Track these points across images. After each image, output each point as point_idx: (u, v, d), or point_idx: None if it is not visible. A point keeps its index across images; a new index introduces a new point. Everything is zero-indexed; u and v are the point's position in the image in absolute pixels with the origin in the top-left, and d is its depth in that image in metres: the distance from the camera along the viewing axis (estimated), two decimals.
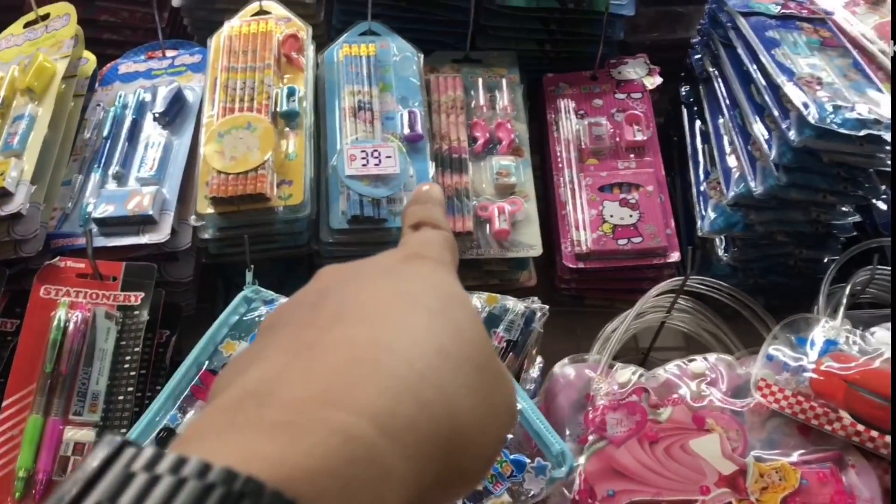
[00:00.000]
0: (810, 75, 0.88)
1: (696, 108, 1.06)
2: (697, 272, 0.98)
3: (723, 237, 0.96)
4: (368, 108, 0.94)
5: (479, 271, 0.94)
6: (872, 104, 0.85)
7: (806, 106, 0.83)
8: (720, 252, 0.97)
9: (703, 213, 0.96)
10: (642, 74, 1.09)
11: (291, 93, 0.92)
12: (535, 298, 0.80)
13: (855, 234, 0.93)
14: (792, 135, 0.84)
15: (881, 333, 0.77)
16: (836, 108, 0.83)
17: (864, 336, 0.77)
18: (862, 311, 0.82)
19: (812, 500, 0.68)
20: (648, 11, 1.19)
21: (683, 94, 1.08)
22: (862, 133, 0.82)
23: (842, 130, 0.82)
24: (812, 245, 0.94)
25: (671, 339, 0.94)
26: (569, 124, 1.05)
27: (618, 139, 1.03)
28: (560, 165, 1.02)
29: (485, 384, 0.28)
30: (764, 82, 0.90)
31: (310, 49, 0.99)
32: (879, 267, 0.84)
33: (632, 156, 1.02)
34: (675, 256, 0.94)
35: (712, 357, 0.78)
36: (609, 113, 1.06)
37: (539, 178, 1.02)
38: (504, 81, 1.05)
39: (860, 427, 0.70)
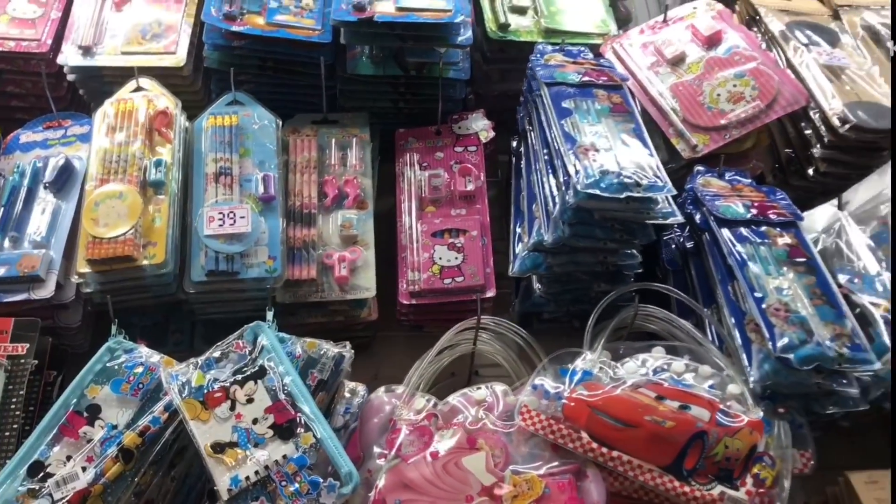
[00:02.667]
0: (590, 143, 1.04)
1: (522, 160, 1.22)
2: (521, 302, 1.16)
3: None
4: (228, 173, 1.11)
5: (325, 311, 1.11)
6: (640, 169, 1.02)
7: (577, 172, 1.00)
8: (536, 286, 1.14)
9: (515, 254, 1.13)
10: (480, 128, 1.25)
11: (159, 164, 1.09)
12: (347, 344, 0.97)
13: (640, 271, 1.10)
14: (569, 196, 1.01)
15: (630, 365, 0.95)
16: (604, 173, 1.00)
17: (616, 367, 0.94)
18: (622, 342, 0.99)
19: None
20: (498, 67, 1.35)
21: (514, 146, 1.25)
22: (623, 196, 0.99)
23: (605, 194, 0.98)
24: (606, 280, 1.11)
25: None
26: (413, 175, 1.21)
27: (452, 188, 1.19)
28: (403, 213, 1.18)
29: None
30: (555, 147, 1.06)
31: (179, 121, 1.15)
32: (641, 305, 1.01)
33: (463, 204, 1.18)
34: (491, 293, 1.11)
35: (495, 386, 0.95)
36: (448, 165, 1.22)
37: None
38: (355, 140, 1.22)
39: (594, 445, 0.87)
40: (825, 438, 1.01)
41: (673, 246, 1.11)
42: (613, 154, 1.03)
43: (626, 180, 0.99)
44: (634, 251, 1.08)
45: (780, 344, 0.90)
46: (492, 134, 1.24)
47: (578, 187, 0.99)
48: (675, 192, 1.03)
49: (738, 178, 1.12)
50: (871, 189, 1.07)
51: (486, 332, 1.04)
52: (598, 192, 0.98)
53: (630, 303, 1.01)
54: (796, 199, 1.14)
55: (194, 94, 1.23)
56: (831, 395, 0.94)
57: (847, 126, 1.08)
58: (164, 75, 1.19)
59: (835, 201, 1.10)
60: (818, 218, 1.11)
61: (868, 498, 0.90)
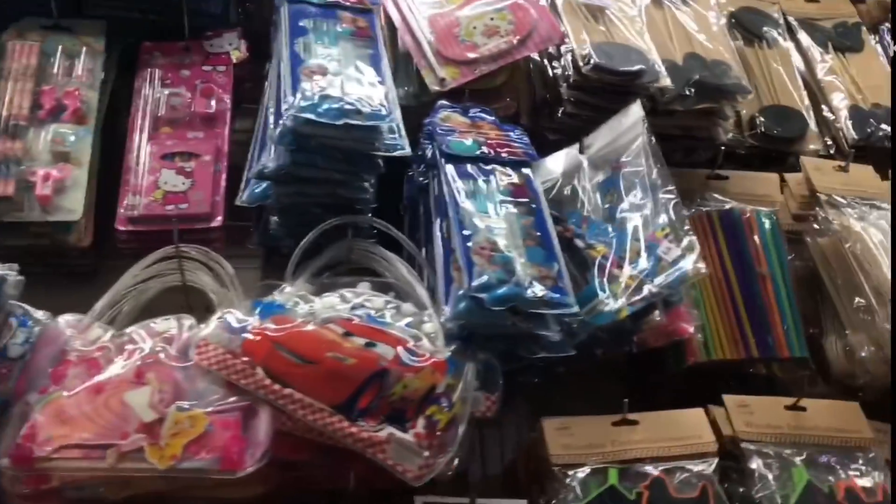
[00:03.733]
0: (318, 65, 0.97)
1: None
2: (259, 234, 1.10)
3: None
4: None
5: (25, 232, 1.01)
6: (366, 96, 0.96)
7: (296, 94, 0.93)
8: (272, 218, 1.07)
9: (246, 183, 1.06)
10: (233, 48, 1.17)
11: None
12: (14, 266, 0.88)
13: (375, 205, 1.04)
14: (285, 119, 0.94)
15: (328, 299, 0.90)
16: (324, 98, 0.94)
17: (313, 302, 0.89)
18: (329, 277, 0.94)
19: (210, 443, 0.80)
20: None
21: (266, 71, 1.17)
22: (341, 122, 0.93)
23: (322, 119, 0.92)
24: (340, 214, 1.04)
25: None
26: (151, 92, 1.12)
27: (192, 109, 1.11)
28: (134, 132, 1.09)
29: None
30: (281, 69, 0.99)
31: None
32: (356, 240, 0.96)
33: (203, 126, 1.10)
34: (217, 221, 1.03)
35: (183, 318, 0.89)
36: (193, 84, 1.14)
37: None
38: (85, 50, 1.12)
39: (267, 381, 0.82)
40: (549, 385, 1.00)
41: (413, 182, 1.06)
42: (341, 79, 0.97)
43: (347, 107, 0.94)
44: (366, 184, 1.02)
45: (476, 283, 0.87)
46: (245, 55, 1.16)
47: (293, 111, 0.92)
48: (397, 121, 0.98)
49: (482, 115, 1.07)
50: (611, 133, 1.04)
51: (193, 263, 0.98)
52: (313, 116, 0.92)
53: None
54: (553, 142, 1.11)
55: None
56: (537, 338, 0.92)
57: (590, 66, 1.04)
58: None
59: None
60: (560, 161, 1.07)
61: (555, 444, 0.88)
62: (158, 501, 0.84)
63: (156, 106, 1.11)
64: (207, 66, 1.16)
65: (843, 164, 1.11)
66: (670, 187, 0.96)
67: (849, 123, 1.24)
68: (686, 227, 0.92)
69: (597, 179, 1.04)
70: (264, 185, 1.03)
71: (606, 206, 1.01)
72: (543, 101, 1.15)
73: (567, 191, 1.05)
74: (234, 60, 1.16)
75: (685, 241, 0.91)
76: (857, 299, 1.01)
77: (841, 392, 1.06)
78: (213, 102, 1.12)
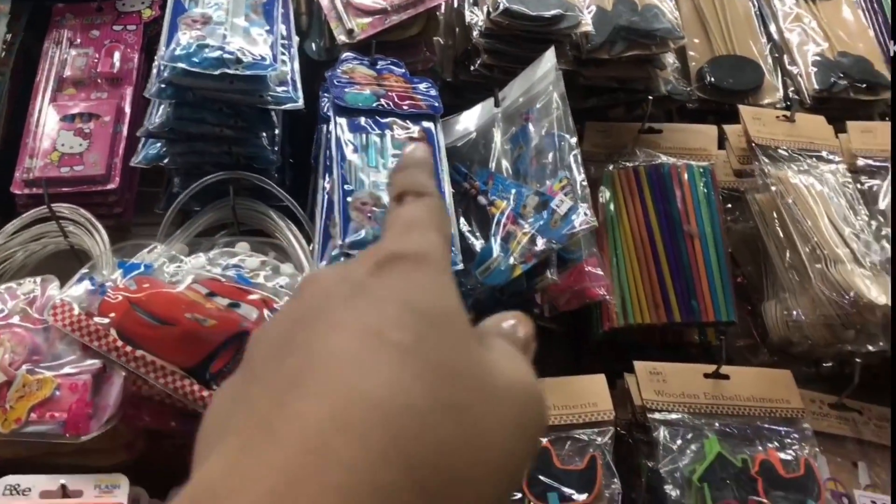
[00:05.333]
0: (202, 14, 0.92)
1: None
2: (166, 198, 1.05)
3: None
4: None
5: None
6: (249, 45, 0.90)
7: (170, 44, 0.88)
8: (175, 179, 1.02)
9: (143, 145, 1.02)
10: (145, 6, 1.13)
11: None
12: None
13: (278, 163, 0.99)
14: (161, 70, 0.89)
15: (199, 260, 0.85)
16: (201, 47, 0.88)
17: (183, 262, 0.84)
18: (207, 237, 0.89)
19: (55, 407, 0.75)
20: None
21: None
22: (217, 72, 0.87)
23: (197, 69, 0.87)
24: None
25: None
26: (58, 53, 1.09)
27: (98, 69, 1.07)
28: (38, 94, 1.06)
29: (476, 428, 0.25)
30: (168, 17, 0.94)
31: None
32: (240, 199, 0.91)
33: (108, 87, 1.06)
34: (112, 185, 0.99)
35: (48, 280, 0.85)
36: (102, 44, 1.10)
37: None
38: None
39: (119, 343, 0.77)
40: None
41: (318, 140, 1.01)
42: (224, 28, 0.92)
43: (226, 56, 0.88)
44: (263, 141, 0.97)
45: (349, 239, 0.81)
46: (156, 13, 1.11)
47: (166, 61, 0.87)
48: (293, 74, 0.92)
49: (391, 67, 1.01)
50: (524, 83, 0.97)
51: (80, 227, 0.93)
52: (187, 66, 0.87)
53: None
54: (475, 99, 1.04)
55: None
56: None
57: (499, 10, 0.97)
58: None
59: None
60: (476, 116, 1.01)
61: None
62: (23, 466, 0.80)
63: (61, 67, 1.08)
64: (118, 25, 1.12)
65: (787, 113, 1.01)
66: (573, 139, 0.89)
67: (812, 73, 1.14)
68: (583, 180, 0.85)
69: (509, 133, 0.96)
70: (159, 144, 0.99)
71: (514, 160, 0.94)
72: (464, 53, 1.08)
73: (481, 147, 0.98)
74: (145, 19, 1.11)
75: (580, 193, 0.83)
76: (791, 259, 0.92)
77: (793, 361, 0.97)
78: (118, 62, 1.07)
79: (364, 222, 0.82)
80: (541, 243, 0.83)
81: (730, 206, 1.04)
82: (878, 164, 1.01)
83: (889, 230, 0.96)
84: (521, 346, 0.30)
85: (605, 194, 0.99)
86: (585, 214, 0.82)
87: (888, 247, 0.95)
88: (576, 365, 1.02)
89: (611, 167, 1.00)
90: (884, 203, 0.98)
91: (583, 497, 0.75)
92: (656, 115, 1.11)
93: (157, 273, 0.83)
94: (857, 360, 0.87)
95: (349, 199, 0.84)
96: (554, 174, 0.87)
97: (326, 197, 0.88)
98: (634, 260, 0.95)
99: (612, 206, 0.98)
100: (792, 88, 1.16)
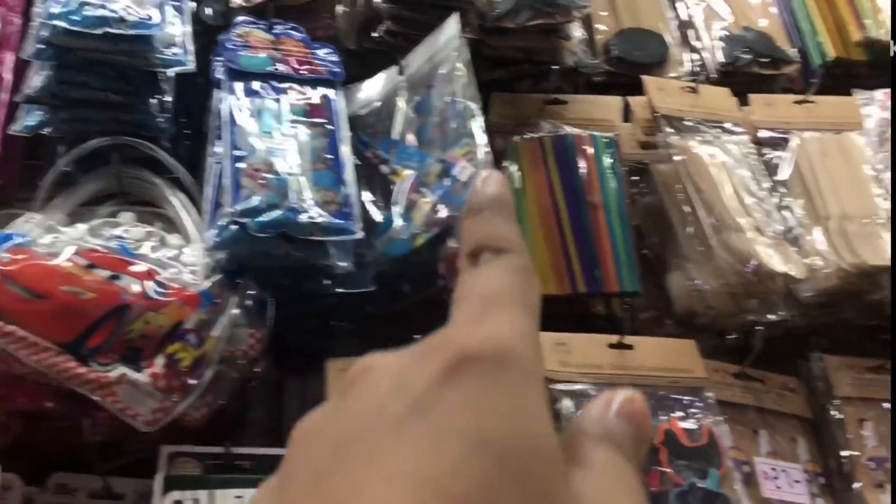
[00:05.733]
0: None
1: None
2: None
3: None
4: None
5: None
6: (135, 4, 0.85)
7: (55, 3, 0.83)
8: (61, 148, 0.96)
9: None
10: None
11: None
12: None
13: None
14: (39, 30, 0.83)
15: (78, 230, 0.79)
16: (82, 4, 0.83)
17: (62, 233, 0.79)
18: (89, 207, 0.84)
19: None
20: None
21: None
22: (100, 31, 0.82)
23: (77, 28, 0.82)
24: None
25: None
26: None
27: None
28: None
29: None
30: None
31: None
32: (125, 167, 0.86)
33: None
34: None
35: None
36: None
37: None
38: None
39: None
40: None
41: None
42: None
43: (109, 14, 0.83)
44: (152, 108, 0.91)
45: (240, 207, 0.77)
46: None
47: (43, 18, 0.82)
48: (183, 36, 0.87)
49: (290, 31, 0.97)
50: (428, 51, 0.94)
51: None
52: (66, 24, 0.81)
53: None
54: (379, 68, 1.01)
55: None
56: (327, 273, 0.82)
57: None
58: None
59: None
60: (379, 84, 0.97)
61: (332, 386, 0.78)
62: None
63: None
64: None
65: (692, 84, 1.01)
66: (476, 106, 0.86)
67: (717, 47, 1.15)
68: (486, 147, 0.83)
69: (413, 101, 0.94)
70: (41, 112, 0.92)
71: (418, 128, 0.91)
72: (367, 20, 1.04)
73: (385, 116, 0.95)
74: None
75: (482, 159, 0.81)
76: (694, 229, 0.92)
77: (698, 332, 0.97)
78: None
79: (256, 189, 0.78)
80: (443, 211, 0.81)
81: (636, 178, 1.03)
82: (779, 135, 1.02)
83: (791, 199, 0.97)
84: (631, 445, 0.25)
85: (510, 166, 0.97)
86: None
87: (789, 216, 0.96)
88: None
89: (516, 139, 0.98)
90: (784, 174, 0.98)
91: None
92: (564, 88, 1.10)
93: (32, 244, 0.77)
94: (758, 328, 0.88)
95: (241, 165, 0.80)
96: (457, 141, 0.85)
97: (217, 164, 0.83)
98: (539, 231, 0.93)
99: (516, 178, 0.96)
100: (698, 62, 1.16)
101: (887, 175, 0.97)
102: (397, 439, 0.22)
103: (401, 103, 0.94)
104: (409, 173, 0.86)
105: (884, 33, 1.13)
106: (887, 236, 0.92)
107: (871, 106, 1.03)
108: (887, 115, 1.02)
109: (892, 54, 1.14)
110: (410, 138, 0.90)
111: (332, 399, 0.25)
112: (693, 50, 1.17)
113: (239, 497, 0.70)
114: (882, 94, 1.03)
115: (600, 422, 0.25)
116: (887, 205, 0.95)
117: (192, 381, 0.71)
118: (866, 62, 1.16)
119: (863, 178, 0.97)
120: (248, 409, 0.89)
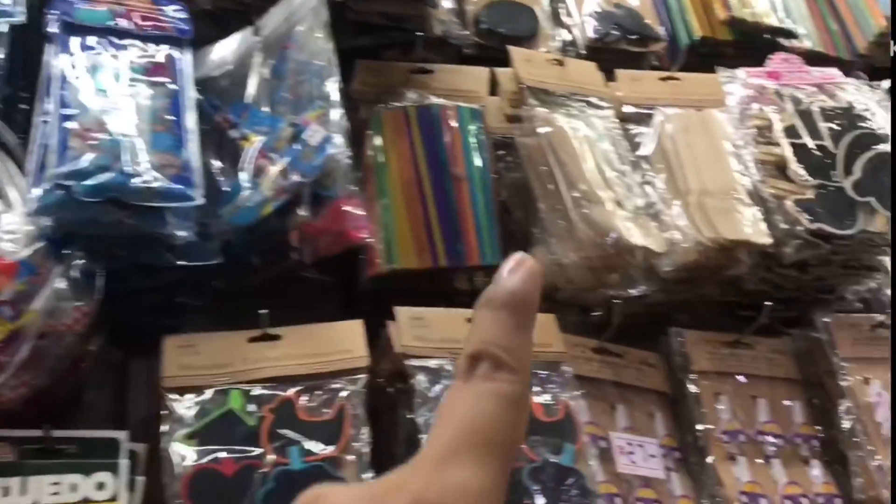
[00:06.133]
0: None
1: None
2: None
3: None
4: None
5: None
6: None
7: None
8: None
9: None
10: None
11: None
12: None
13: None
14: None
15: None
16: None
17: None
18: None
19: None
20: None
21: None
22: None
23: None
24: None
25: None
26: None
27: None
28: None
29: None
30: None
31: None
32: None
33: None
34: None
35: None
36: None
37: None
38: None
39: None
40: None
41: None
42: None
43: None
44: None
45: (66, 169, 0.71)
46: None
47: None
48: None
49: None
50: (284, 11, 0.89)
51: None
52: None
53: None
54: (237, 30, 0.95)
55: None
56: (167, 243, 0.76)
57: None
58: None
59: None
60: (233, 46, 0.92)
61: (175, 365, 0.73)
62: None
63: None
64: None
65: (558, 57, 1.00)
66: (332, 68, 0.82)
67: (587, 23, 1.14)
68: (342, 112, 0.79)
69: (268, 64, 0.89)
70: None
71: (272, 91, 0.86)
72: None
73: (238, 78, 0.90)
74: None
75: (336, 123, 0.77)
76: (556, 202, 0.91)
77: (562, 309, 0.96)
78: None
79: (85, 150, 0.72)
80: (293, 177, 0.76)
81: (503, 152, 1.01)
82: (643, 111, 1.02)
83: (653, 175, 0.97)
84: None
85: (373, 136, 0.93)
86: (339, 145, 0.75)
87: (651, 191, 0.96)
88: (347, 317, 0.96)
89: (380, 108, 0.95)
90: (647, 149, 0.98)
91: (328, 450, 0.70)
92: (434, 60, 1.07)
93: None
94: (616, 301, 0.87)
95: (69, 124, 0.74)
96: (310, 104, 0.80)
97: (44, 123, 0.77)
98: (401, 203, 0.90)
99: (380, 148, 0.93)
100: (569, 38, 1.16)
101: (746, 151, 0.98)
102: None
103: (255, 66, 0.89)
104: (259, 139, 0.82)
105: (748, 13, 1.14)
106: (745, 211, 0.93)
107: (734, 84, 1.04)
108: (749, 92, 1.03)
109: (892, 54, 1.15)
110: (263, 102, 0.85)
111: None
112: (563, 25, 1.16)
113: (56, 484, 0.64)
114: (743, 73, 1.04)
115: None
116: (746, 181, 0.96)
117: (4, 358, 0.65)
118: (732, 41, 1.17)
119: (723, 155, 0.97)
120: (85, 390, 0.83)
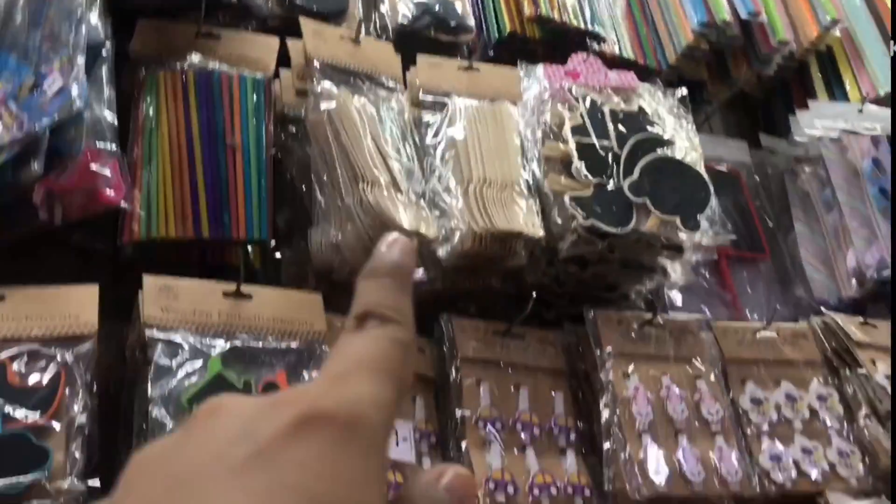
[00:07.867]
0: None
1: None
2: None
3: None
4: None
5: None
6: None
7: None
8: None
9: None
10: None
11: None
12: None
13: None
14: None
15: None
16: None
17: None
18: None
19: None
20: None
21: None
22: None
23: None
24: None
25: None
26: None
27: None
28: None
29: None
30: None
31: None
32: None
33: None
34: None
35: None
36: None
37: None
38: None
39: None
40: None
41: None
42: None
43: None
44: None
45: None
46: None
47: None
48: None
49: None
50: None
51: None
52: None
53: None
54: None
55: None
56: None
57: None
58: None
59: None
60: None
61: None
62: None
63: None
64: None
65: (351, 34, 0.98)
66: (93, 18, 0.79)
67: (398, 7, 1.13)
68: (81, 56, 0.74)
69: (29, 10, 0.83)
70: None
71: (26, 38, 0.80)
72: None
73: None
74: None
75: (77, 74, 0.73)
76: (335, 180, 0.89)
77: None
78: None
79: None
80: (25, 127, 0.71)
81: (293, 128, 0.98)
82: (439, 99, 1.01)
83: (440, 163, 0.97)
84: None
85: (147, 98, 0.89)
86: (76, 96, 0.71)
87: (434, 179, 0.95)
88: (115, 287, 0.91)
89: (159, 70, 0.90)
90: (437, 137, 0.98)
91: (34, 416, 0.65)
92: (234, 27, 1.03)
93: None
94: None
95: None
96: (58, 53, 0.75)
97: None
98: (168, 169, 0.86)
99: (152, 111, 0.88)
100: (383, 22, 1.14)
101: (535, 146, 0.99)
102: (232, 486, 0.22)
103: (15, 12, 0.83)
104: (4, 86, 0.76)
105: (555, 13, 1.16)
106: (522, 203, 0.93)
107: (532, 79, 1.05)
108: (546, 88, 1.04)
109: (891, 54, 1.15)
110: (14, 49, 0.79)
111: (176, 434, 0.25)
112: (376, 7, 1.14)
113: None
114: (542, 69, 1.05)
115: (428, 495, 0.26)
116: (528, 175, 0.97)
117: None
118: (541, 40, 1.18)
119: (509, 147, 0.98)
120: None
